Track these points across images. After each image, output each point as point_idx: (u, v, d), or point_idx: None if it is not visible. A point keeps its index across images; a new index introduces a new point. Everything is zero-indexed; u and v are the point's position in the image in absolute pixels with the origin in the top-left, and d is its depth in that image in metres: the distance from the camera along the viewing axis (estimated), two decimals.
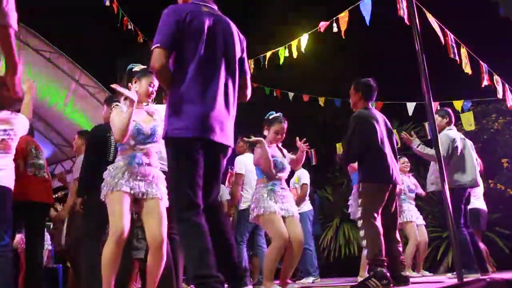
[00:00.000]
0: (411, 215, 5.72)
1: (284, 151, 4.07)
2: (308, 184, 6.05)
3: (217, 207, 2.41)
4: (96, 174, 3.18)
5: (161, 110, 3.02)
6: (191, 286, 4.17)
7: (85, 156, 3.75)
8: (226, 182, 5.80)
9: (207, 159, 2.28)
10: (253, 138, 3.84)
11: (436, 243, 7.41)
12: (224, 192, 5.50)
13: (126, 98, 2.87)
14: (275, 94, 7.68)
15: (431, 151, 4.54)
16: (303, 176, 6.05)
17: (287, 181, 4.35)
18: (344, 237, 8.99)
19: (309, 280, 5.88)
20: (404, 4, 4.53)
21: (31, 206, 3.89)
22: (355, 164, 4.30)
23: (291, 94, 7.57)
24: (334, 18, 5.49)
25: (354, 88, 3.84)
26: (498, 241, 7.10)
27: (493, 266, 5.89)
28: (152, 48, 2.26)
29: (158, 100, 3.19)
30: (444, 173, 3.50)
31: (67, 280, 6.19)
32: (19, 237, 5.19)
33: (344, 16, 5.36)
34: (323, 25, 5.66)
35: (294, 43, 6.11)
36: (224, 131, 2.33)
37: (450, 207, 3.40)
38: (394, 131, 4.22)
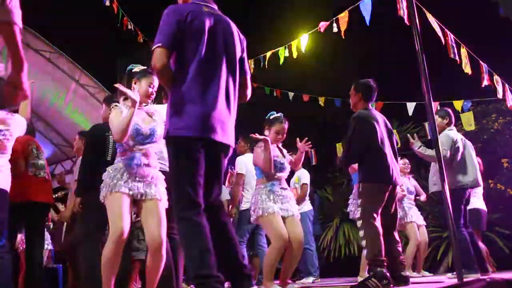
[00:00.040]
0: (411, 215, 5.73)
1: (284, 151, 4.07)
2: (308, 184, 6.06)
3: (219, 206, 2.40)
4: (94, 174, 3.18)
5: (161, 110, 3.02)
6: (191, 286, 4.17)
7: (84, 156, 3.74)
8: (226, 182, 5.80)
9: (208, 159, 2.28)
10: (260, 136, 3.82)
11: (436, 243, 7.40)
12: (224, 192, 5.50)
13: (125, 98, 2.87)
14: (275, 94, 7.68)
15: (432, 152, 4.54)
16: (303, 176, 6.05)
17: (287, 181, 4.35)
18: (344, 237, 8.98)
19: (309, 280, 5.88)
20: (404, 4, 4.53)
21: (31, 206, 3.89)
22: (356, 165, 4.30)
23: (291, 94, 7.57)
24: (334, 18, 5.49)
25: (354, 89, 3.84)
26: (498, 241, 7.09)
27: (493, 266, 5.89)
28: (153, 48, 2.26)
29: (157, 101, 3.19)
30: (444, 173, 3.51)
31: (67, 280, 6.18)
32: (19, 237, 5.19)
33: (344, 16, 5.36)
34: (323, 25, 5.66)
35: (294, 43, 6.11)
36: (225, 130, 2.33)
37: (450, 207, 3.41)
38: (394, 131, 4.22)
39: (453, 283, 3.29)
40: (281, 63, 6.38)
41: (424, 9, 4.63)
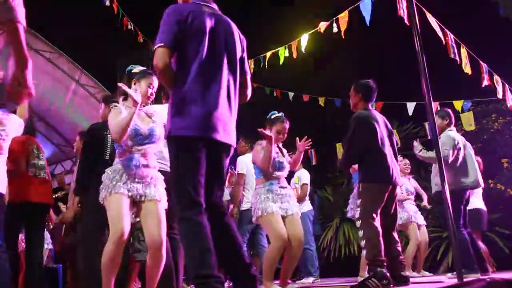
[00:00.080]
0: (412, 215, 5.73)
1: (284, 151, 4.07)
2: (308, 184, 6.06)
3: (220, 206, 2.39)
4: (93, 173, 3.18)
5: (160, 111, 3.02)
6: (191, 286, 4.17)
7: (82, 155, 3.73)
8: (226, 182, 5.80)
9: (209, 159, 2.28)
10: (268, 133, 3.81)
11: (436, 243, 7.40)
12: (225, 192, 5.49)
13: (125, 99, 2.87)
14: (275, 94, 7.68)
15: (432, 154, 4.55)
16: (303, 176, 6.05)
17: (288, 181, 4.34)
18: (344, 237, 8.98)
19: (309, 280, 5.88)
20: (404, 4, 4.53)
21: (31, 206, 3.89)
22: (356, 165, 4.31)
23: (291, 94, 7.57)
24: (334, 18, 5.49)
25: (354, 89, 3.84)
26: (498, 241, 7.09)
27: (493, 266, 5.89)
28: (155, 48, 2.26)
29: (157, 101, 3.19)
30: (444, 173, 3.51)
31: (67, 280, 6.19)
32: (19, 238, 5.19)
33: (344, 16, 5.37)
34: (323, 25, 5.66)
35: (294, 43, 6.11)
36: (227, 130, 2.33)
37: (450, 207, 3.41)
38: (394, 131, 4.22)
39: (453, 283, 3.29)
40: (281, 63, 6.38)
41: (424, 9, 4.63)
